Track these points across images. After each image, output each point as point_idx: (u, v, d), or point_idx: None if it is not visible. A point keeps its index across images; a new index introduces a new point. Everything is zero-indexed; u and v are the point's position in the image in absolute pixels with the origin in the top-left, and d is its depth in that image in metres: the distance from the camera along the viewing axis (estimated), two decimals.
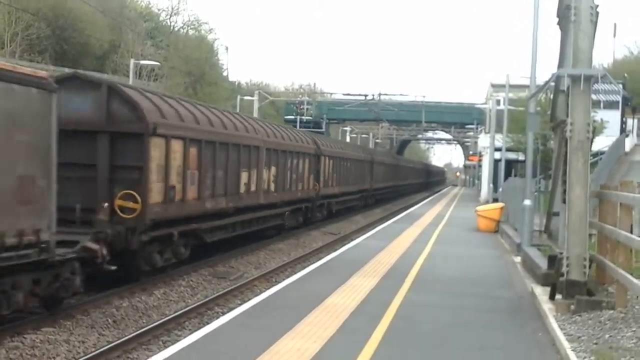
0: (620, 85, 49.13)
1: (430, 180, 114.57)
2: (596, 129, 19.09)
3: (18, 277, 11.77)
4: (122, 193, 15.63)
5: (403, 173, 71.70)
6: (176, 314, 14.56)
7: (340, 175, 37.80)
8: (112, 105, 15.97)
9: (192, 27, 73.41)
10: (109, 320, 13.94)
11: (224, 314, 13.73)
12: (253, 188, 23.20)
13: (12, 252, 11.27)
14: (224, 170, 20.41)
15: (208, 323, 12.58)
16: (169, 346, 10.80)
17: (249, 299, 14.68)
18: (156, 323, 13.68)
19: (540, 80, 22.47)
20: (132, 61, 40.04)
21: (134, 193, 15.66)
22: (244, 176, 22.21)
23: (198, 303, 15.73)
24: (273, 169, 25.67)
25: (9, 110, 11.25)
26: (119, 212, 15.58)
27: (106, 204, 15.15)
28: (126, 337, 12.49)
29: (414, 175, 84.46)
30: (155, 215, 16.31)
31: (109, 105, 15.93)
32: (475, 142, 77.66)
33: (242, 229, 23.14)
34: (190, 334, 11.46)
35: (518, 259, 20.62)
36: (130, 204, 15.64)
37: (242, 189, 22.14)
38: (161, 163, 16.59)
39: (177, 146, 17.32)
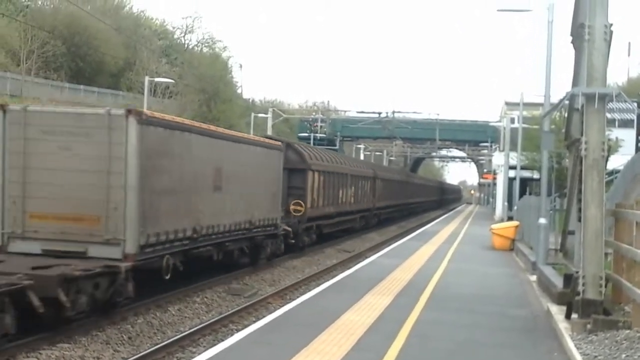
0: (635, 104, 49.21)
1: (445, 198, 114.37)
2: (611, 148, 19.05)
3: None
4: (294, 201, 28.47)
5: (415, 190, 70.18)
6: (191, 330, 14.58)
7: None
8: (288, 154, 28.14)
9: (206, 44, 73.97)
10: (124, 336, 13.97)
11: (238, 330, 13.74)
12: (344, 200, 36.62)
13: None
14: (333, 188, 33.78)
15: (222, 340, 12.58)
16: None
17: (264, 316, 14.69)
18: (171, 340, 13.70)
19: (554, 99, 22.50)
20: (147, 78, 40.33)
21: (300, 201, 28.84)
22: (340, 192, 35.57)
23: (212, 320, 15.75)
24: (352, 188, 38.67)
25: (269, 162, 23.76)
26: (292, 212, 28.22)
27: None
28: (141, 354, 12.51)
29: (427, 193, 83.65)
30: (308, 215, 29.41)
31: (286, 155, 27.38)
32: (490, 160, 77.53)
33: (339, 226, 36.65)
34: (205, 350, 11.46)
35: (533, 278, 20.53)
36: (298, 208, 28.58)
37: (340, 200, 35.50)
38: (311, 185, 30.04)
39: (317, 175, 30.92)
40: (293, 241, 27.34)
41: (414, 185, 71.05)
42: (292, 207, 28.06)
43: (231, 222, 20.20)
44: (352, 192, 38.95)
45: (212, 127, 20.30)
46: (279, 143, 25.83)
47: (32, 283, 12.34)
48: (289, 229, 26.37)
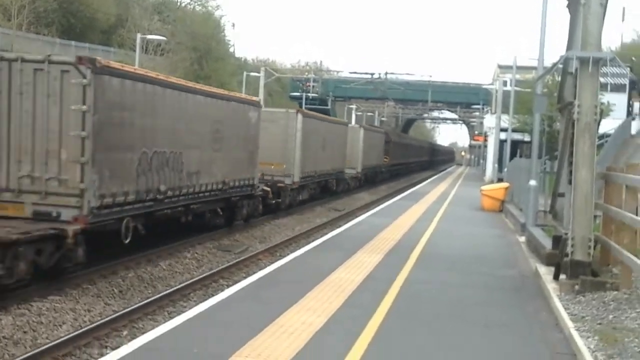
0: (628, 69, 49.26)
1: (442, 159, 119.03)
2: (603, 112, 19.05)
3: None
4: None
5: (420, 152, 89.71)
6: (181, 285, 14.69)
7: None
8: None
9: (198, 2, 73.19)
10: (115, 290, 14.06)
11: (229, 286, 13.85)
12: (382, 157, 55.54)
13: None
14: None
15: (213, 295, 12.67)
16: (174, 317, 10.90)
17: (254, 272, 14.79)
18: (162, 294, 13.81)
19: (548, 62, 22.52)
20: (138, 36, 39.88)
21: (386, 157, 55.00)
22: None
23: (203, 275, 15.85)
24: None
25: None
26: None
27: None
28: (132, 307, 12.62)
29: (432, 154, 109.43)
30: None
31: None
32: (481, 123, 77.51)
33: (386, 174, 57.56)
34: (196, 305, 11.55)
35: (522, 239, 20.68)
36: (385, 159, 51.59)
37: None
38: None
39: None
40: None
41: (425, 148, 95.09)
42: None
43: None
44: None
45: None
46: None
47: None
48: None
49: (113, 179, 14.58)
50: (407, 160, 75.04)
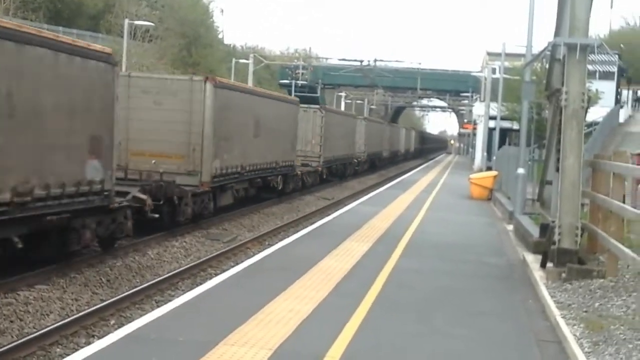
0: (617, 56, 49.32)
1: (429, 147, 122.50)
2: (591, 99, 19.12)
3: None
4: None
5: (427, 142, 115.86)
6: (169, 274, 14.66)
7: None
8: None
9: None
10: (103, 279, 14.02)
11: (217, 275, 13.81)
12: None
13: None
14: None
15: (201, 284, 12.63)
16: (161, 305, 10.87)
17: (242, 261, 14.78)
18: (149, 283, 13.78)
19: (536, 49, 22.48)
20: (126, 21, 39.75)
21: None
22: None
23: (191, 264, 15.83)
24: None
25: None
26: None
27: None
28: (119, 296, 12.58)
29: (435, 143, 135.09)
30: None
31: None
32: (470, 110, 77.56)
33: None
34: (184, 294, 11.51)
35: (510, 227, 20.73)
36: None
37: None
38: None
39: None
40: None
41: (429, 139, 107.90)
42: None
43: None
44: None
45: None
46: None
47: None
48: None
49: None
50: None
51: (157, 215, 17.45)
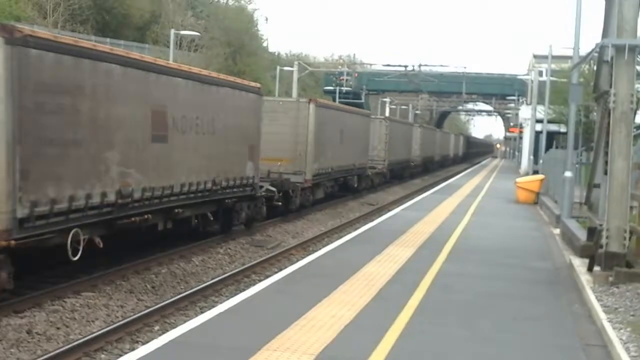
0: None
1: (475, 151, 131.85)
2: None
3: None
4: None
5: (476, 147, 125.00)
6: (213, 280, 14.72)
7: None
8: None
9: None
10: (148, 285, 14.13)
11: (260, 281, 13.85)
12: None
13: None
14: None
15: (244, 290, 12.66)
16: (205, 312, 10.91)
17: (286, 267, 14.78)
18: (194, 289, 13.84)
19: (583, 51, 22.16)
20: (172, 32, 40.03)
21: None
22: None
23: (235, 270, 15.88)
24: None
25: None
26: None
27: None
28: (164, 303, 12.66)
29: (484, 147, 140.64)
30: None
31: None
32: (517, 114, 76.81)
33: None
34: (227, 299, 11.56)
35: (557, 231, 20.45)
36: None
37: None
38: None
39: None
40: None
41: (475, 143, 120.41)
42: None
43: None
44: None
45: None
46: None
47: None
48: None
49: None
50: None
51: (280, 203, 23.09)
